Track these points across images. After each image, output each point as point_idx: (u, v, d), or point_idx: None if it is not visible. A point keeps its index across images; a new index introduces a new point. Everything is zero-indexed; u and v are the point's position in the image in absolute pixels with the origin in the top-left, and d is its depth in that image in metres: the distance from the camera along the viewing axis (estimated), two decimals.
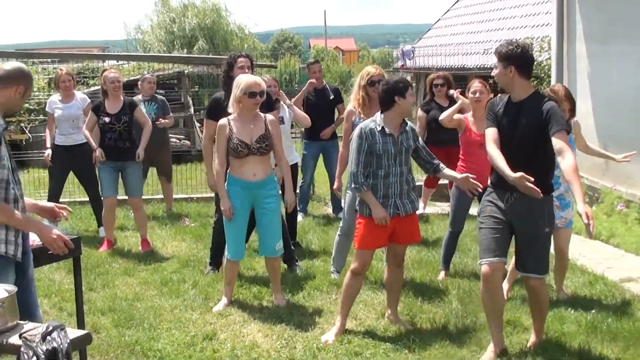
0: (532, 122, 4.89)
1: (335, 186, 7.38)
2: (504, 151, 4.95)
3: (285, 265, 7.47)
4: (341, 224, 7.15)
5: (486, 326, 5.44)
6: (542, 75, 12.33)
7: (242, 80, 6.14)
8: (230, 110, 6.24)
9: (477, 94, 6.92)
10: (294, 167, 8.62)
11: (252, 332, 5.79)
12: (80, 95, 9.43)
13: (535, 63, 12.36)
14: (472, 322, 5.85)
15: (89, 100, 9.35)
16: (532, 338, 5.38)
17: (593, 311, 6.00)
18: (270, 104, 7.38)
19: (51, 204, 4.42)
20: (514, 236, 5.16)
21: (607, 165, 9.68)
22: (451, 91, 8.16)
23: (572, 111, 6.32)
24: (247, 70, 7.12)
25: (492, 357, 5.10)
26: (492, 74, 5.15)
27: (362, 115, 6.69)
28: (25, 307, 4.06)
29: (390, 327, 5.81)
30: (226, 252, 6.54)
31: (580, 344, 5.34)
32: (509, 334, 5.54)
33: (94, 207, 9.36)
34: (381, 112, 5.63)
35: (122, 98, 8.53)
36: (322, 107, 9.89)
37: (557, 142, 4.74)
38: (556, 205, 6.02)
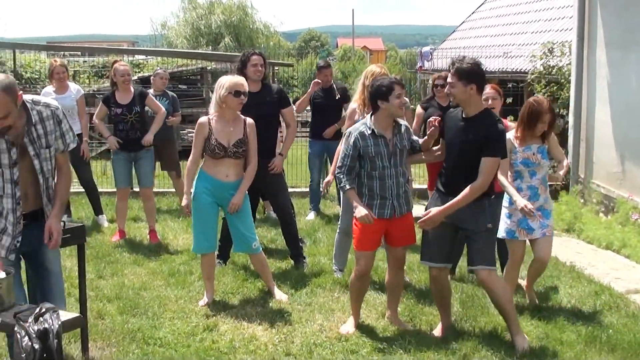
0: (476, 138, 5.28)
1: (326, 179, 7.22)
2: (447, 158, 5.54)
3: (293, 262, 7.54)
4: (339, 222, 7.18)
5: (484, 330, 5.60)
6: (562, 80, 12.24)
7: (226, 80, 6.22)
8: (210, 110, 6.31)
9: (490, 101, 6.90)
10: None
11: (253, 325, 5.85)
12: (74, 87, 9.53)
13: (555, 68, 12.45)
14: (471, 326, 5.86)
15: (82, 92, 9.46)
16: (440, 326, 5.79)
17: (595, 321, 5.99)
18: (284, 101, 7.45)
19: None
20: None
21: (623, 175, 9.65)
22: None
23: (552, 124, 6.27)
24: (260, 68, 7.20)
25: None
26: (448, 90, 5.49)
27: (364, 115, 6.69)
28: (44, 298, 4.19)
29: (389, 327, 5.84)
30: (192, 246, 6.60)
31: (577, 353, 5.33)
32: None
33: (90, 196, 9.52)
34: (371, 115, 5.64)
35: (132, 89, 8.62)
36: (329, 106, 9.90)
37: (482, 164, 5.28)
38: (539, 215, 6.10)
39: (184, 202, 6.35)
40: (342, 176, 5.60)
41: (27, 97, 4.33)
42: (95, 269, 7.23)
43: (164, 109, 8.93)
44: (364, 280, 5.81)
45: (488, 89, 6.89)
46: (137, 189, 9.27)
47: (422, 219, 5.42)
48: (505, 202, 6.24)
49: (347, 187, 5.58)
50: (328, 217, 10.11)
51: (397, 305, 5.99)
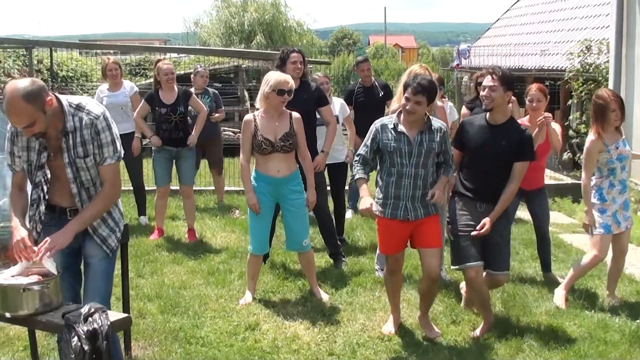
0: (510, 144, 5.45)
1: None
2: (473, 164, 5.61)
3: (332, 261, 7.53)
4: None
5: (527, 330, 5.50)
6: (600, 78, 12.11)
7: (272, 77, 6.20)
8: (257, 105, 6.31)
9: (535, 102, 6.84)
10: (343, 165, 8.64)
11: (295, 325, 5.84)
12: (128, 84, 9.54)
13: (593, 65, 12.32)
14: (515, 326, 5.81)
15: (136, 89, 9.45)
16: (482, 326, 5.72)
17: (637, 321, 5.91)
18: (322, 99, 7.43)
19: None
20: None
21: None
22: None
23: (623, 112, 6.22)
24: (299, 66, 7.18)
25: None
26: (487, 93, 5.50)
27: None
28: (85, 294, 4.22)
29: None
30: (250, 247, 6.56)
31: (622, 354, 5.27)
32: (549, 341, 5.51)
33: (137, 196, 9.53)
34: (400, 111, 5.48)
35: (176, 88, 8.60)
36: (371, 105, 9.83)
37: (515, 168, 5.49)
38: (621, 207, 6.23)
39: (251, 201, 6.26)
40: (356, 164, 5.52)
41: (73, 101, 4.11)
42: (135, 268, 7.26)
43: (206, 109, 8.94)
44: (395, 276, 5.73)
45: (534, 90, 6.84)
46: (175, 187, 9.29)
47: (480, 232, 5.40)
48: (594, 198, 6.24)
49: (358, 175, 5.50)
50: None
51: (427, 310, 5.77)
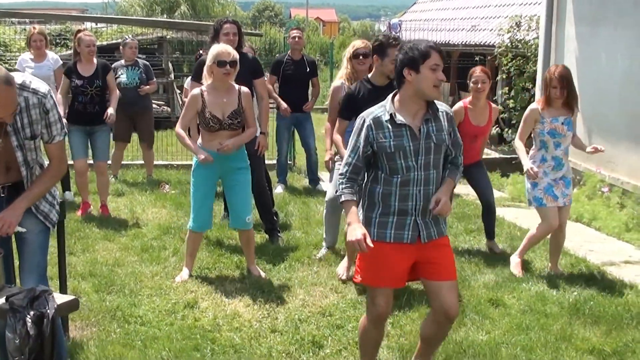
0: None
1: (326, 158, 6.70)
2: None
3: (267, 236, 7.43)
4: (326, 196, 7.03)
5: (466, 307, 5.46)
6: (529, 54, 12.29)
7: (213, 49, 6.06)
8: (203, 80, 6.16)
9: (480, 84, 6.88)
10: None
11: (234, 302, 5.74)
12: (53, 56, 9.24)
13: (522, 42, 12.48)
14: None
15: (61, 62, 9.15)
16: None
17: (575, 293, 6.02)
18: (257, 72, 7.30)
19: None
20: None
21: None
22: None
23: (572, 93, 6.36)
24: (232, 37, 7.01)
25: None
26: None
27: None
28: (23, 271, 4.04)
29: None
30: (190, 223, 6.38)
31: (562, 326, 5.35)
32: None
33: None
34: (393, 95, 4.15)
35: (95, 61, 8.35)
36: (298, 79, 9.78)
37: None
38: (561, 184, 6.38)
39: (201, 155, 5.93)
40: (342, 181, 4.12)
41: (16, 79, 3.80)
42: (66, 245, 7.00)
43: (117, 91, 8.62)
44: (379, 326, 4.32)
45: (478, 72, 6.93)
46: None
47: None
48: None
49: (343, 198, 4.08)
50: (298, 190, 10.02)
51: (431, 356, 4.56)
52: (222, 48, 6.02)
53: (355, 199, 4.08)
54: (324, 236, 7.02)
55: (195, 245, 6.41)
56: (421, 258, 4.12)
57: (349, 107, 6.06)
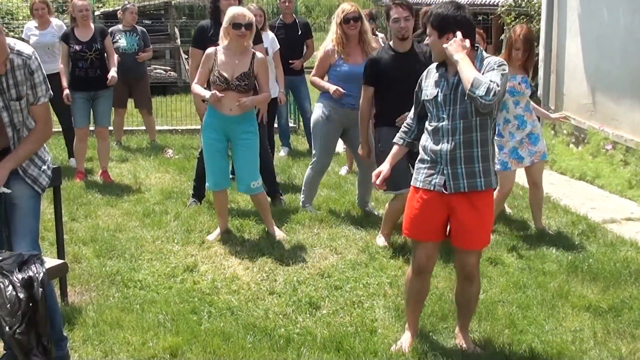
0: (422, 67, 4.72)
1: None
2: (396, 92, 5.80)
3: (269, 199, 7.45)
4: (314, 160, 7.15)
5: None
6: (533, 12, 12.16)
7: (229, 11, 6.10)
8: (219, 42, 6.17)
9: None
10: (273, 101, 8.49)
11: (233, 265, 5.78)
12: (57, 23, 9.25)
13: (526, 0, 12.33)
14: (452, 258, 5.84)
15: (65, 28, 9.12)
16: None
17: (574, 251, 6.02)
18: (256, 37, 7.24)
19: None
20: None
21: (594, 106, 9.64)
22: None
23: (530, 54, 6.42)
24: (232, 2, 6.97)
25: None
26: (405, 24, 5.99)
27: (342, 55, 6.63)
28: (12, 237, 4.04)
29: (371, 262, 5.81)
30: (207, 184, 6.48)
31: (560, 284, 5.36)
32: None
33: (67, 137, 9.29)
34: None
35: (92, 26, 8.36)
36: (291, 42, 9.70)
37: None
38: (527, 143, 6.36)
39: (211, 95, 5.97)
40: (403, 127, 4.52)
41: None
42: (68, 211, 7.03)
43: (115, 56, 8.61)
44: (423, 278, 4.39)
45: None
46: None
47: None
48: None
49: (394, 139, 4.53)
50: (301, 152, 10.02)
51: (466, 323, 4.50)
52: (238, 10, 6.09)
53: (400, 143, 4.48)
54: (302, 195, 7.25)
55: (220, 204, 6.45)
56: (451, 215, 4.20)
57: (372, 73, 6.13)
